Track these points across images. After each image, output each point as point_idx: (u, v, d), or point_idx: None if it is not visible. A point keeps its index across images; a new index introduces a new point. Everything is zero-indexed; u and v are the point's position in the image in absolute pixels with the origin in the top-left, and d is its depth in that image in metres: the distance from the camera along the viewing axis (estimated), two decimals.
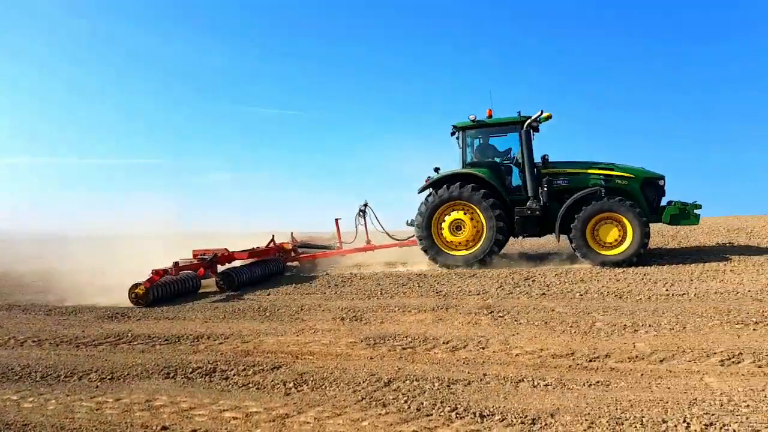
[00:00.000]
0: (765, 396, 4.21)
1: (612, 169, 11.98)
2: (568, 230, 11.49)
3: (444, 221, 12.25)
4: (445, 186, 12.17)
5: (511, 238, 12.85)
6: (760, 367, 4.86)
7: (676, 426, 3.81)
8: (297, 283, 11.19)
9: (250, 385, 5.18)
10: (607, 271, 10.39)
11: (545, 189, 11.87)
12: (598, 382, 4.77)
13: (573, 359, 5.42)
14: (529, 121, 11.97)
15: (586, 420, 3.99)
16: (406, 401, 4.54)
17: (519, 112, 12.24)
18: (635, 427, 3.84)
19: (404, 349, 6.08)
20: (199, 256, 11.34)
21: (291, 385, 5.09)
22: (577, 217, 11.28)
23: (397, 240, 13.95)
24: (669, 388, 4.54)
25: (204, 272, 10.97)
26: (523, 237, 12.82)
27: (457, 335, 6.46)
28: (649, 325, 6.39)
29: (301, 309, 8.44)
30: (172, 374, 5.62)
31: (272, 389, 5.04)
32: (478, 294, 8.89)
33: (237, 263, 11.87)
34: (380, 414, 4.29)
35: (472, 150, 12.94)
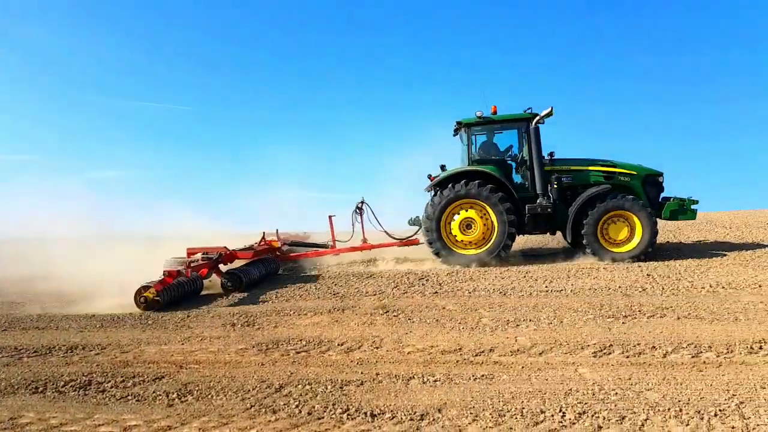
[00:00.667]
0: (631, 384, 4.58)
1: (614, 167, 12.12)
2: (573, 228, 11.65)
3: (453, 220, 11.95)
4: (450, 185, 11.86)
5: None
6: (627, 357, 5.29)
7: (553, 416, 4.04)
8: None
9: (129, 398, 4.84)
10: (494, 269, 10.89)
11: (555, 186, 11.86)
12: (482, 375, 4.97)
13: (461, 354, 5.61)
14: (538, 117, 11.84)
15: (471, 413, 4.13)
16: (297, 406, 4.46)
17: (531, 108, 12.17)
18: (516, 418, 4.03)
19: (298, 353, 5.98)
20: (203, 255, 10.36)
21: (174, 396, 4.82)
22: (591, 214, 11.34)
23: (396, 239, 13.49)
24: (547, 379, 4.82)
25: (207, 272, 10.05)
26: (532, 234, 12.74)
27: (352, 336, 6.46)
28: (530, 320, 6.76)
29: (188, 316, 8.04)
30: (41, 389, 5.14)
31: (154, 401, 4.74)
32: (374, 294, 8.95)
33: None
34: (270, 421, 4.18)
35: (476, 147, 12.75)
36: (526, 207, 11.84)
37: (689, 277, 9.01)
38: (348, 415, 4.24)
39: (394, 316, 7.35)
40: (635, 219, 11.31)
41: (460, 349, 5.79)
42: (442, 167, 12.71)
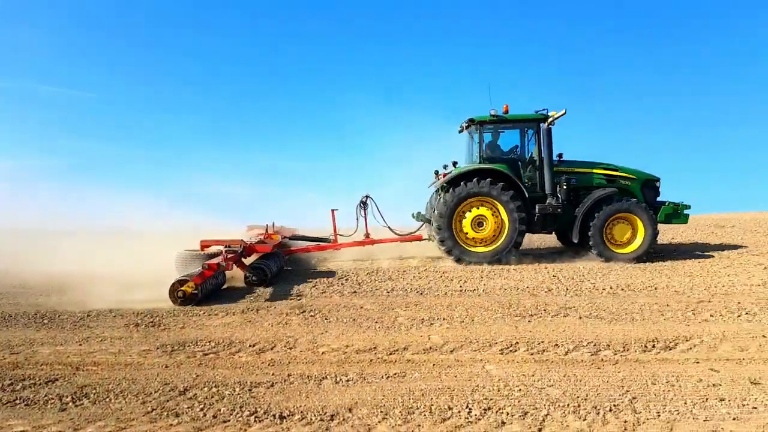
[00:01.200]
0: (535, 381, 4.77)
1: (615, 170, 12.49)
2: (581, 228, 11.85)
3: (464, 218, 11.88)
4: (462, 182, 11.76)
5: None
6: (532, 354, 5.51)
7: (459, 412, 4.12)
8: None
9: (18, 402, 4.48)
10: (412, 270, 11.03)
11: (564, 187, 12.03)
12: (395, 374, 5.00)
13: (375, 353, 5.62)
14: (551, 119, 11.88)
15: (381, 412, 4.14)
16: (202, 409, 4.28)
17: (546, 109, 12.18)
18: (424, 415, 4.08)
19: (206, 354, 5.76)
20: (227, 248, 9.72)
21: (68, 399, 4.50)
22: (597, 215, 11.64)
23: (399, 235, 13.27)
24: (456, 376, 4.92)
25: (230, 266, 9.41)
26: (540, 233, 12.88)
27: (265, 337, 6.31)
28: (444, 319, 6.90)
29: (88, 315, 7.55)
30: None
31: (45, 405, 4.41)
32: (291, 294, 8.81)
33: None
34: (171, 425, 3.99)
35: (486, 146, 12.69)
36: (536, 206, 11.98)
37: (592, 279, 9.53)
38: (256, 417, 4.13)
39: (311, 315, 7.26)
40: (638, 221, 11.75)
41: (374, 348, 5.80)
42: (455, 164, 12.65)
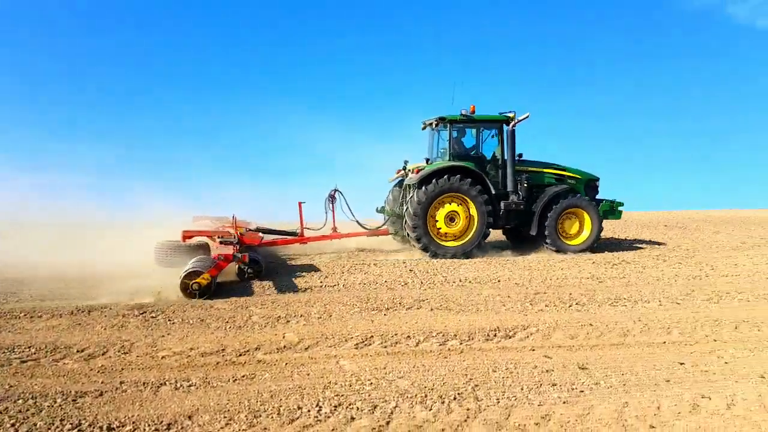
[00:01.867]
0: (386, 373, 4.79)
1: (564, 170, 13.41)
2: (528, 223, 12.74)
3: (438, 213, 12.24)
4: (434, 179, 12.04)
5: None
6: (385, 347, 5.55)
7: (309, 411, 4.00)
8: None
9: None
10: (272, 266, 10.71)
11: (525, 185, 12.70)
12: (243, 376, 4.74)
13: (223, 355, 5.30)
14: (516, 121, 12.45)
15: (225, 417, 3.88)
16: (13, 425, 3.72)
17: (515, 111, 12.61)
18: (272, 417, 3.89)
19: (23, 362, 5.04)
20: (221, 239, 9.46)
21: None
22: (553, 210, 12.55)
23: (367, 229, 13.23)
24: (309, 374, 4.79)
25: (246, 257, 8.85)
26: (504, 228, 13.45)
27: (96, 341, 5.68)
28: (301, 315, 6.73)
29: None
30: None
31: None
32: (131, 293, 8.07)
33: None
34: None
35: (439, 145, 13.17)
36: (501, 203, 12.63)
37: (444, 272, 9.93)
38: (79, 430, 3.66)
39: (152, 317, 6.68)
40: (586, 216, 12.88)
41: (223, 349, 5.47)
42: (406, 162, 13.29)
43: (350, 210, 13.10)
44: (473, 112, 12.86)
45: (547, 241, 12.75)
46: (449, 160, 12.68)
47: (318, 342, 5.70)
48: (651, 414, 3.96)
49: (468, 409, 4.05)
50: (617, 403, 4.15)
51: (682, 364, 5.05)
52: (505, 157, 12.79)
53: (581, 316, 6.77)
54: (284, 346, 5.56)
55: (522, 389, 4.45)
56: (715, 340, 5.80)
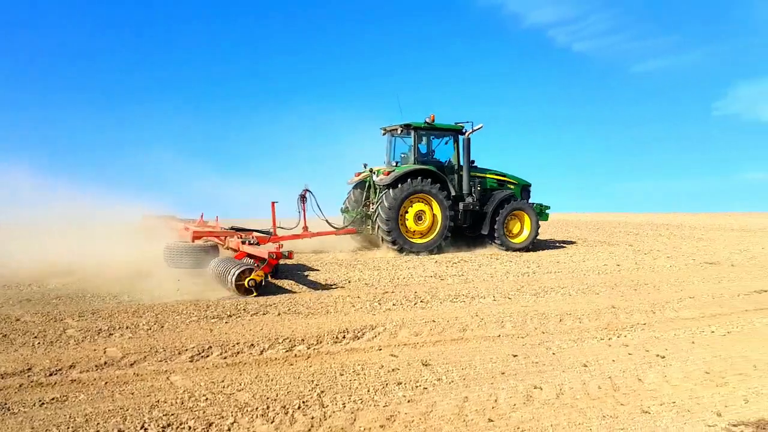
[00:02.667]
0: (224, 387, 4.40)
1: (504, 176, 15.25)
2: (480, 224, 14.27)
3: (407, 212, 13.21)
4: (410, 180, 13.04)
5: None
6: (225, 358, 5.13)
7: None
8: None
9: None
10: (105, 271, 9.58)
11: (478, 188, 14.35)
12: (53, 399, 4.07)
13: (29, 376, 4.52)
14: (471, 130, 13.88)
15: None
16: None
17: (472, 122, 14.02)
18: None
19: None
20: (241, 239, 9.58)
21: None
22: (501, 212, 14.19)
23: (335, 228, 13.73)
24: (133, 393, 4.25)
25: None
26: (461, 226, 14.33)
27: None
28: (126, 327, 6.03)
29: None
30: None
31: None
32: None
33: None
34: None
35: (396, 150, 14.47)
36: (460, 204, 13.94)
37: (293, 276, 9.64)
38: None
39: None
40: (526, 217, 14.67)
41: (29, 369, 4.67)
42: (365, 165, 14.36)
43: (320, 209, 13.33)
44: (433, 120, 13.95)
45: (496, 239, 14.29)
46: (414, 163, 13.68)
47: (146, 356, 5.11)
48: (489, 407, 4.07)
49: (313, 418, 3.84)
50: (458, 398, 4.21)
51: (515, 356, 5.33)
52: (461, 163, 14.11)
53: (425, 313, 6.92)
54: (105, 363, 4.89)
55: (368, 391, 4.34)
56: (543, 333, 6.23)
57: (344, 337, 5.83)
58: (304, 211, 12.95)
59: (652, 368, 5.00)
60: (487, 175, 14.98)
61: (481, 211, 14.32)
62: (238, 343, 5.51)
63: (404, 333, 6.04)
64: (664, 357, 5.33)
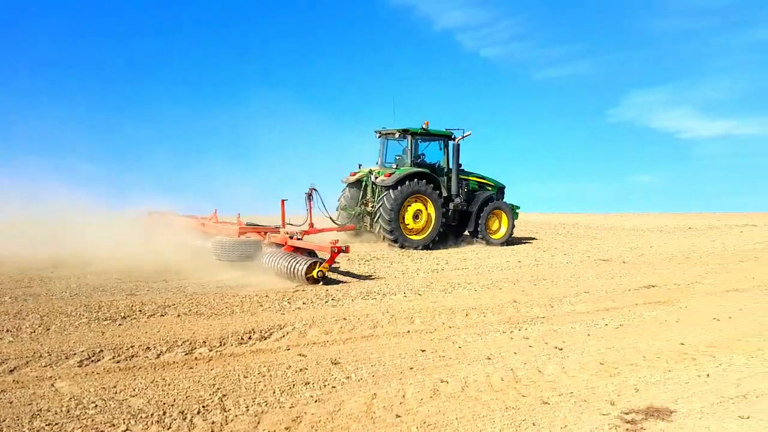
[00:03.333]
0: (116, 393, 4.09)
1: (483, 179, 16.40)
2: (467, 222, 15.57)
3: (406, 211, 14.07)
4: (408, 182, 13.92)
5: None
6: (118, 363, 4.78)
7: None
8: None
9: None
10: None
11: (465, 190, 15.57)
12: None
13: None
14: (461, 137, 15.08)
15: None
16: None
17: (463, 129, 15.18)
18: None
19: None
20: (288, 234, 10.13)
21: None
22: (485, 210, 15.44)
23: (338, 224, 14.28)
24: (12, 402, 3.85)
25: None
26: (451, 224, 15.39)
27: None
28: (7, 330, 5.48)
29: None
30: None
31: None
32: None
33: None
34: None
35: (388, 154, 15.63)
36: (450, 204, 15.03)
37: (200, 276, 9.23)
38: None
39: None
40: (504, 216, 15.93)
41: None
42: (360, 166, 15.43)
43: (325, 207, 13.60)
44: (427, 126, 14.94)
45: (479, 235, 15.55)
46: (410, 166, 14.66)
47: (28, 362, 4.66)
48: (397, 403, 4.07)
49: (213, 423, 3.64)
50: (367, 396, 4.17)
51: (423, 351, 5.38)
52: (451, 166, 15.22)
53: (336, 311, 6.84)
54: None
55: (274, 392, 4.20)
56: (450, 327, 6.34)
57: (250, 338, 5.62)
58: (310, 208, 12.99)
59: (551, 360, 5.22)
60: (470, 178, 16.09)
61: (467, 211, 15.52)
62: (132, 346, 5.15)
63: (314, 332, 5.92)
64: (562, 349, 5.58)
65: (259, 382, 4.42)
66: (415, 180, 14.15)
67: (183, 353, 5.07)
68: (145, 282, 8.61)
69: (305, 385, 4.35)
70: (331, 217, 14.24)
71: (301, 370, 4.72)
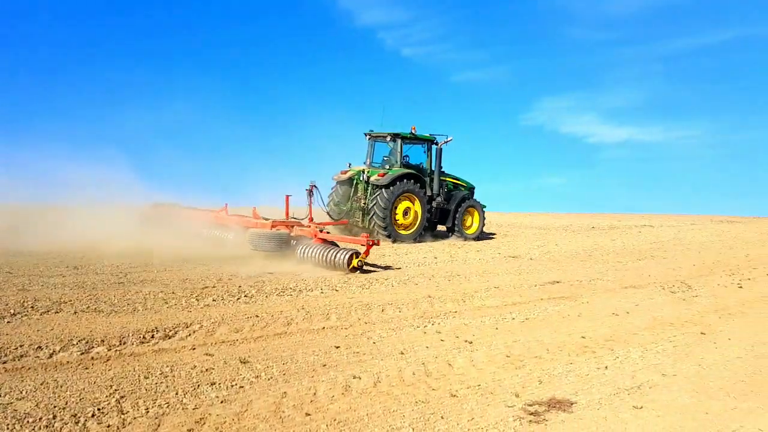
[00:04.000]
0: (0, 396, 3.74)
1: (457, 179, 17.94)
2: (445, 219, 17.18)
3: (396, 208, 15.41)
4: (399, 182, 15.29)
5: None
6: (4, 363, 4.38)
7: None
8: None
9: None
10: None
11: (445, 190, 17.15)
12: None
13: None
14: (442, 142, 16.61)
15: None
16: None
17: (447, 135, 16.80)
18: None
19: None
20: (318, 227, 11.64)
21: None
22: (460, 209, 17.06)
23: (334, 219, 15.79)
24: None
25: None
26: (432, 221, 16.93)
27: None
28: None
29: None
30: None
31: None
32: None
33: None
34: None
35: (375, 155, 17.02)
36: (433, 202, 16.58)
37: (97, 267, 8.68)
38: None
39: None
40: (476, 213, 17.71)
41: None
42: (349, 165, 16.65)
43: (323, 203, 15.51)
44: (414, 131, 16.34)
45: (456, 231, 17.07)
46: (399, 167, 15.97)
47: None
48: (308, 401, 3.99)
49: (109, 426, 3.41)
50: (276, 395, 4.07)
51: (337, 347, 5.33)
52: (433, 168, 16.71)
53: (248, 309, 6.64)
54: None
55: (177, 394, 4.00)
56: (365, 323, 6.34)
57: (153, 337, 5.33)
58: (310, 203, 14.16)
59: (461, 353, 5.34)
60: (447, 179, 17.58)
61: (445, 208, 17.01)
62: (21, 346, 4.75)
63: (223, 330, 5.71)
64: (471, 342, 5.73)
65: (161, 382, 4.19)
66: (405, 180, 15.56)
67: (79, 353, 4.72)
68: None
69: (211, 386, 4.18)
70: (329, 213, 16.15)
71: (207, 370, 4.53)
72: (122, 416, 3.57)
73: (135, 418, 3.56)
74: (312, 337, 5.69)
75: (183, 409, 3.74)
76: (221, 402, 3.90)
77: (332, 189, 16.94)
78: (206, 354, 4.93)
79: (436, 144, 16.78)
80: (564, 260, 13.00)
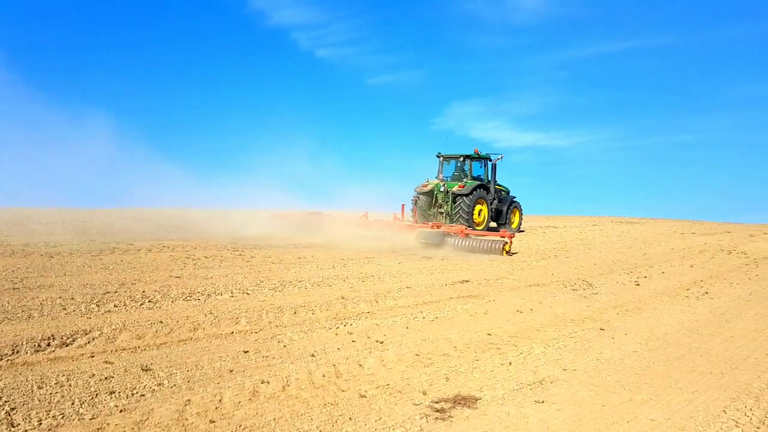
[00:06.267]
0: None
1: (501, 186, 23.18)
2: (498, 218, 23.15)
3: (474, 211, 20.82)
4: (475, 190, 20.97)
5: None
6: None
7: None
8: None
9: None
10: None
11: (499, 196, 22.76)
12: None
13: None
14: (497, 159, 22.22)
15: None
16: None
17: (502, 155, 22.57)
18: None
19: None
20: (465, 226, 18.64)
21: None
22: (510, 209, 23.09)
23: (419, 222, 21.21)
24: None
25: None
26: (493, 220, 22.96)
27: None
28: None
29: None
30: None
31: None
32: None
33: None
34: None
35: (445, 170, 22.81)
36: (493, 205, 22.05)
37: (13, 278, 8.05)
38: None
39: None
40: (518, 212, 23.78)
41: None
42: (427, 180, 22.32)
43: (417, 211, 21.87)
44: (478, 152, 21.75)
45: (505, 226, 22.65)
46: (471, 180, 21.38)
47: None
48: (213, 408, 3.94)
49: None
50: (179, 402, 3.98)
51: (246, 352, 5.28)
52: (490, 179, 22.11)
53: (152, 314, 6.41)
54: None
55: (73, 404, 3.82)
56: (277, 326, 6.31)
57: (49, 345, 5.05)
58: (415, 210, 21.72)
59: (371, 354, 5.45)
60: (498, 186, 22.67)
61: (499, 209, 22.66)
62: None
63: (124, 337, 5.49)
64: (382, 342, 5.85)
65: (56, 392, 3.99)
66: (478, 189, 21.04)
67: None
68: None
69: (110, 395, 4.02)
70: (416, 219, 21.62)
71: (106, 378, 4.35)
72: (12, 429, 3.38)
73: (26, 430, 3.38)
74: (219, 342, 5.59)
75: (79, 419, 3.58)
76: (120, 411, 3.77)
77: (412, 199, 22.43)
78: (106, 362, 4.72)
79: (491, 161, 22.21)
80: (473, 259, 13.51)
